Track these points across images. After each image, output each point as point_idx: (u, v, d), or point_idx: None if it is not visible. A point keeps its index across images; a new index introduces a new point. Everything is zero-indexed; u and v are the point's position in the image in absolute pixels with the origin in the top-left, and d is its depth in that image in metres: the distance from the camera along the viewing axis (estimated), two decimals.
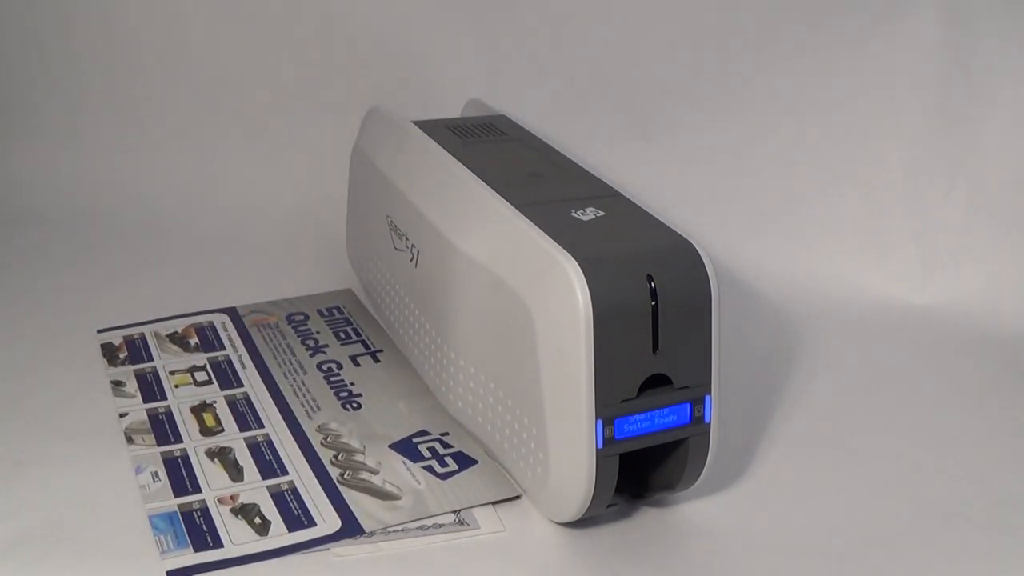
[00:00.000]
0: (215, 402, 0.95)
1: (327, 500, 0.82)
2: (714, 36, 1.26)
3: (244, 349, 1.03)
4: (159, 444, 0.88)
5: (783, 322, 1.15)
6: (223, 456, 0.87)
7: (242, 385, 0.97)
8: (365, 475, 0.86)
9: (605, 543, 0.80)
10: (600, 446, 0.76)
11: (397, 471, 0.86)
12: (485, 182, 0.88)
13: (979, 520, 0.85)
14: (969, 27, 1.18)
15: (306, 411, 0.93)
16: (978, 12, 1.17)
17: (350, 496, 0.83)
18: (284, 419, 0.92)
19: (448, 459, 0.88)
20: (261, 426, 0.91)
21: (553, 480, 0.78)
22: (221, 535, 0.79)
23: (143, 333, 1.04)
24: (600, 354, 0.74)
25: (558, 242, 0.77)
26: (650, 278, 0.76)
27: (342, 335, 1.06)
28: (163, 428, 0.91)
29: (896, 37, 1.20)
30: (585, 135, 1.17)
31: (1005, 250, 1.19)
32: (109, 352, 1.01)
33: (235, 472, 0.85)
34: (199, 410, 0.93)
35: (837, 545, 0.82)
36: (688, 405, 0.78)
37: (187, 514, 0.80)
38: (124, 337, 1.04)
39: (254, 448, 0.88)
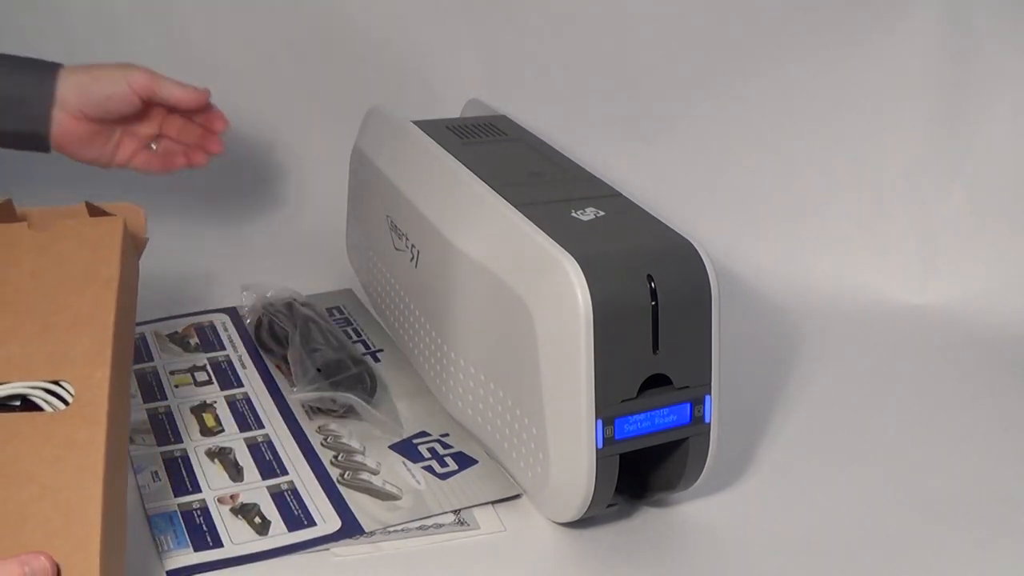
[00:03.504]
0: (215, 402, 0.95)
1: (327, 500, 0.82)
2: (714, 36, 1.25)
3: (244, 349, 1.03)
4: (159, 444, 0.88)
5: (783, 322, 1.15)
6: (223, 456, 0.87)
7: (242, 385, 0.97)
8: (365, 475, 0.86)
9: (605, 543, 0.80)
10: (600, 446, 0.76)
11: (397, 471, 0.86)
12: (485, 182, 0.88)
13: (979, 520, 0.85)
14: (969, 27, 1.18)
15: (306, 411, 0.93)
16: (978, 12, 1.17)
17: (350, 496, 0.83)
18: (284, 419, 0.92)
19: (448, 459, 0.88)
20: (261, 426, 0.91)
21: (553, 480, 0.78)
22: (221, 535, 0.79)
23: (143, 333, 1.04)
24: (600, 354, 0.74)
25: (558, 242, 0.77)
26: (650, 278, 0.76)
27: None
28: (163, 428, 0.91)
29: (896, 37, 1.20)
30: (585, 135, 1.17)
31: (1005, 250, 1.19)
32: None
33: (235, 472, 0.86)
34: (199, 410, 0.93)
35: (837, 545, 0.82)
36: (688, 405, 0.78)
37: (187, 514, 0.80)
38: None
39: (254, 448, 0.88)
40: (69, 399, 0.71)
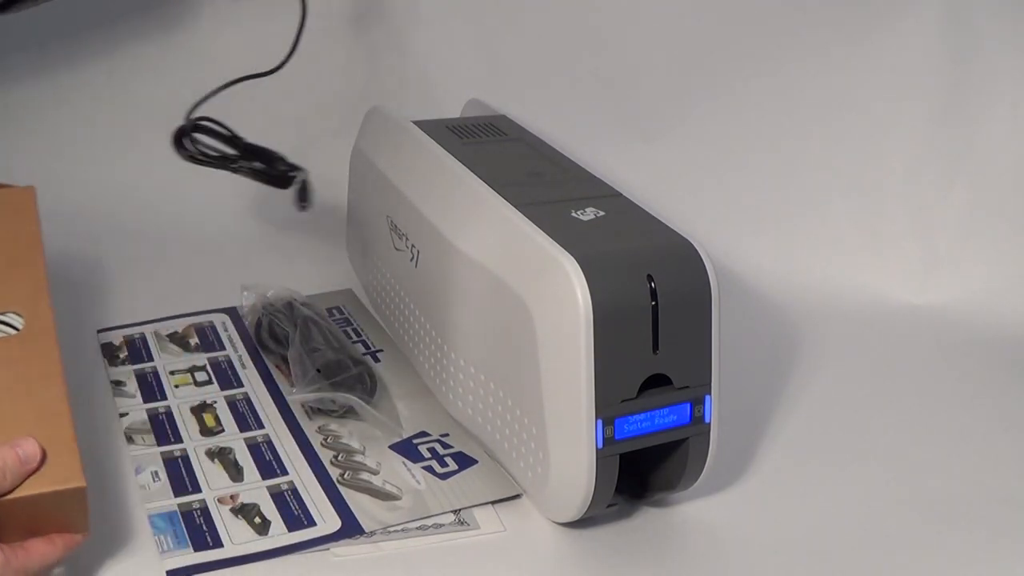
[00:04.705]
0: (215, 402, 0.95)
1: (327, 500, 0.82)
2: (714, 36, 1.25)
3: (244, 349, 1.03)
4: (159, 444, 0.88)
5: (783, 322, 1.15)
6: (223, 456, 0.87)
7: (242, 385, 0.97)
8: (365, 475, 0.86)
9: (605, 543, 0.80)
10: (600, 446, 0.76)
11: (397, 471, 0.86)
12: (485, 182, 0.88)
13: (979, 520, 0.85)
14: (969, 27, 1.18)
15: (306, 411, 0.93)
16: (978, 12, 1.17)
17: (350, 496, 0.83)
18: (284, 419, 0.92)
19: (448, 459, 0.88)
20: (261, 426, 0.91)
21: (553, 480, 0.78)
22: (221, 535, 0.79)
23: (143, 333, 1.04)
24: (600, 354, 0.74)
25: (558, 242, 0.77)
26: (650, 278, 0.76)
27: None
28: (163, 428, 0.91)
29: (896, 37, 1.20)
30: (585, 135, 1.17)
31: (1005, 250, 1.19)
32: (109, 352, 1.01)
33: (235, 472, 0.86)
34: (199, 410, 0.93)
35: (837, 545, 0.82)
36: (688, 405, 0.78)
37: (187, 514, 0.80)
38: (124, 337, 1.04)
39: (254, 448, 0.88)
40: (19, 326, 0.78)
